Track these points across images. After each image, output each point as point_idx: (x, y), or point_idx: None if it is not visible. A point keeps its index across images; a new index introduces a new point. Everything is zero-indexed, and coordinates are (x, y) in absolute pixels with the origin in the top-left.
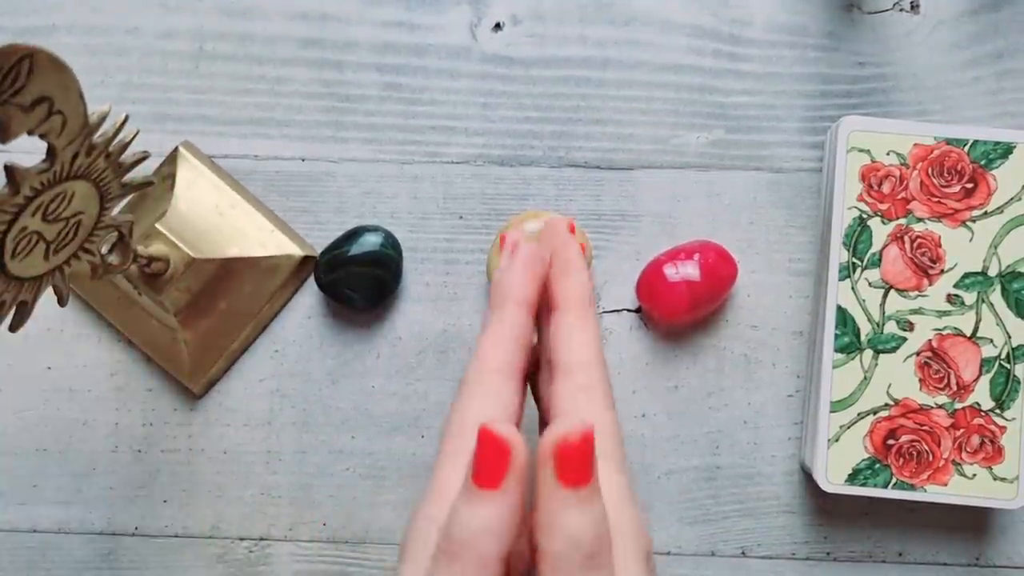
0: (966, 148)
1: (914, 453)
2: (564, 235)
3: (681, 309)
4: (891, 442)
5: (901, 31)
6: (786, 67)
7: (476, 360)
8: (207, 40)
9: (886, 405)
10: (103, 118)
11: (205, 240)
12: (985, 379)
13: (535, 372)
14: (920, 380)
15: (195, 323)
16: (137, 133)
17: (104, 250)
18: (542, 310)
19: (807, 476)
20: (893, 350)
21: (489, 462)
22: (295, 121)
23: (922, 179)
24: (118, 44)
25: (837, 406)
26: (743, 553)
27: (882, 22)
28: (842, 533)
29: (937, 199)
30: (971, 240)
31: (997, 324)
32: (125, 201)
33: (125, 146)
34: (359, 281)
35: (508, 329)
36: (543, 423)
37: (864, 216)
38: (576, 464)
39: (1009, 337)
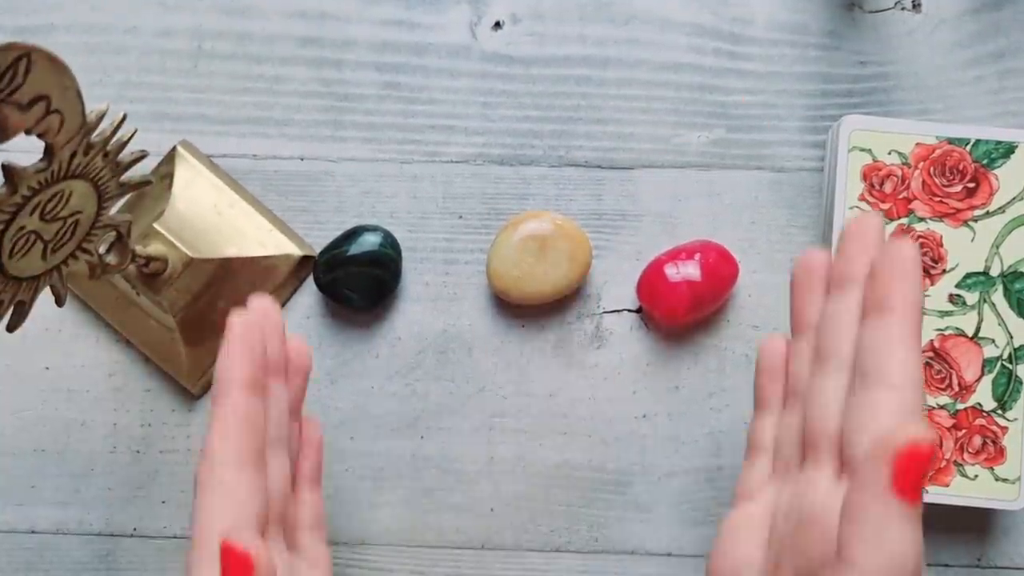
0: (968, 147)
1: None
2: (885, 236)
3: (682, 309)
4: None
5: (903, 30)
6: (787, 66)
7: (205, 457)
8: (206, 39)
9: None
10: (101, 117)
11: (203, 240)
12: (987, 379)
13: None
14: None
15: (193, 323)
16: (135, 132)
17: (102, 250)
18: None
19: None
20: None
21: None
22: (294, 120)
23: (924, 179)
24: (116, 43)
25: None
26: None
27: (883, 21)
28: None
29: (939, 199)
30: (973, 240)
31: (999, 324)
32: (123, 200)
33: (123, 145)
34: (358, 281)
35: (232, 417)
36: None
37: None
38: (917, 474)
39: (1011, 337)
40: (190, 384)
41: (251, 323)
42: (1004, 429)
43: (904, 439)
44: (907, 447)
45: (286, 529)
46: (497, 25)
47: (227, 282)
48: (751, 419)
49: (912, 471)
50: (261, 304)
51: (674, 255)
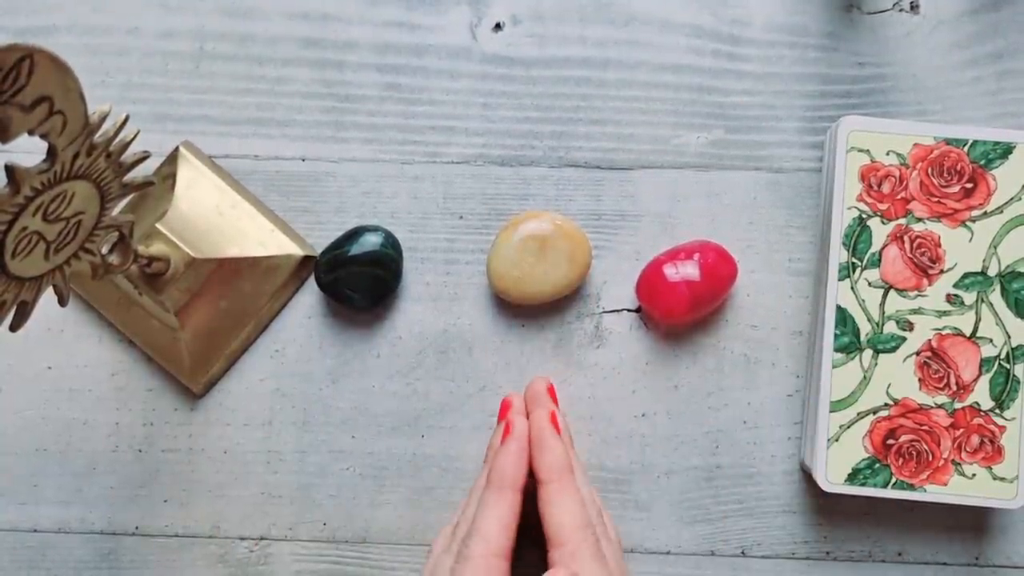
0: (966, 148)
1: (914, 453)
2: (538, 405)
3: (681, 309)
4: (891, 442)
5: (901, 31)
6: (786, 67)
7: (483, 541)
8: (208, 40)
9: (886, 405)
10: (104, 118)
11: (205, 240)
12: (985, 379)
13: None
14: (920, 380)
15: (195, 323)
16: (138, 133)
17: (105, 250)
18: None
19: (807, 476)
20: (893, 350)
21: None
22: (295, 121)
23: (922, 179)
24: (119, 44)
25: (837, 406)
26: (743, 553)
27: (882, 22)
28: (842, 533)
29: (937, 199)
30: (971, 240)
31: (997, 324)
32: (125, 201)
33: (126, 146)
34: (359, 281)
35: (511, 516)
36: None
37: (864, 216)
38: None
39: (1009, 337)
40: (192, 383)
41: (527, 435)
42: (1002, 428)
43: None
44: None
45: None
46: (497, 27)
47: (229, 282)
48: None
49: None
50: (542, 390)
51: (673, 255)
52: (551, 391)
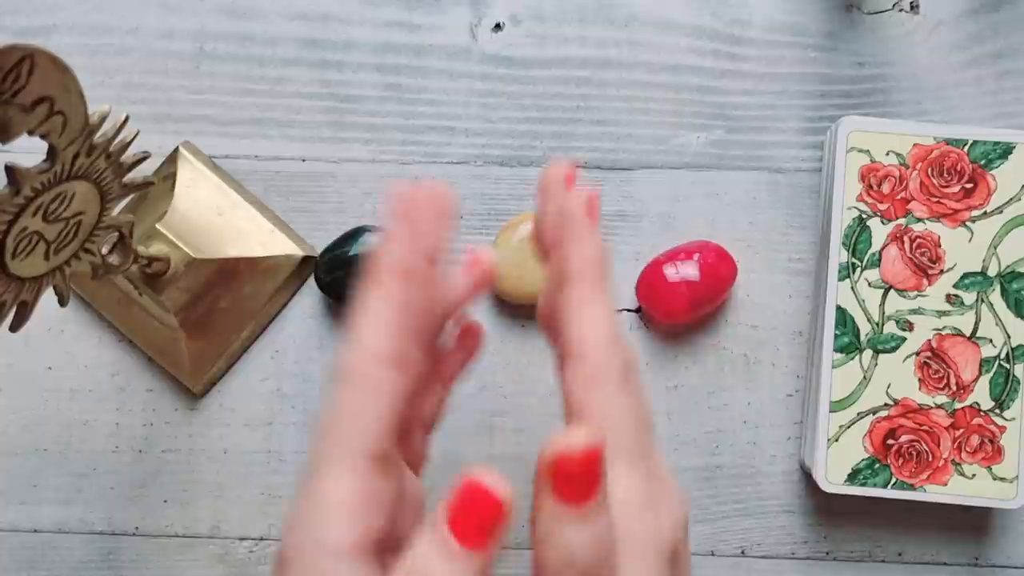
0: (966, 148)
1: (914, 453)
2: (564, 188)
3: (681, 309)
4: (891, 442)
5: (901, 31)
6: (786, 67)
7: (360, 347)
8: (207, 40)
9: (885, 405)
10: (103, 118)
11: (205, 240)
12: (985, 379)
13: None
14: (920, 380)
15: (195, 323)
16: (137, 133)
17: (105, 250)
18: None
19: (807, 476)
20: (893, 350)
21: (478, 520)
22: (295, 121)
23: (922, 179)
24: (118, 44)
25: (837, 406)
26: (743, 553)
27: (882, 22)
28: (842, 533)
29: (937, 199)
30: (971, 240)
31: (997, 324)
32: (126, 201)
33: (126, 146)
34: (359, 281)
35: (396, 312)
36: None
37: (864, 216)
38: (575, 482)
39: (1009, 337)
40: (192, 384)
41: (420, 204)
42: (1002, 428)
43: (554, 449)
44: (558, 459)
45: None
46: (497, 27)
47: (229, 282)
48: None
49: (569, 481)
50: (433, 188)
51: (673, 255)
52: (569, 181)
